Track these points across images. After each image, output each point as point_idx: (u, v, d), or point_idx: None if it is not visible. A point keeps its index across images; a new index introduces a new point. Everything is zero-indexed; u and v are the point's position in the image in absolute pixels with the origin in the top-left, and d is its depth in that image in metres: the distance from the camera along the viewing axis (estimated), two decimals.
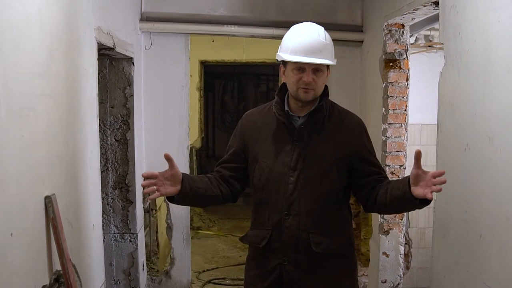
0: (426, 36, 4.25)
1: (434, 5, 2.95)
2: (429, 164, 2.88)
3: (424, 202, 2.01)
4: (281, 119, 2.28)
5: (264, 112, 2.38)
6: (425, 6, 3.03)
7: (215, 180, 2.32)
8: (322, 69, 2.18)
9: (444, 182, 1.94)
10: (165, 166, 4.27)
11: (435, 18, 3.23)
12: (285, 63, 2.23)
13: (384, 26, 3.70)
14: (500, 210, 2.12)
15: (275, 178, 2.24)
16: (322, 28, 2.24)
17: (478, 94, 2.30)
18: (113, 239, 3.78)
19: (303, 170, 2.22)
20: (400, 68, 3.74)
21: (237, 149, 2.36)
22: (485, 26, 2.23)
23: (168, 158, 2.12)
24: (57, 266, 2.05)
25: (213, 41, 5.13)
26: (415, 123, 4.40)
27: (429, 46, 4.23)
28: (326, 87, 2.30)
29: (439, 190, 1.94)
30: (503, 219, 2.09)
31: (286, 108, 2.29)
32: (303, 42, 2.16)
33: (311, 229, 2.21)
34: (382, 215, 3.80)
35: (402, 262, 3.91)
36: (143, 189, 2.12)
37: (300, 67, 2.16)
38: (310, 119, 2.26)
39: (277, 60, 2.26)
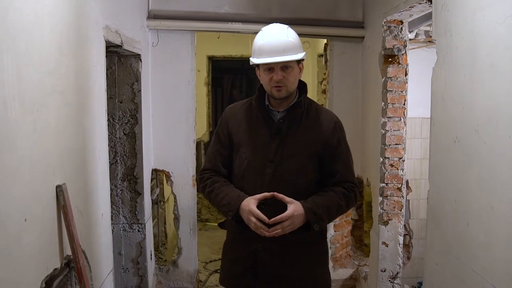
0: (426, 32, 4.32)
1: (429, 3, 3.03)
2: (428, 157, 3.00)
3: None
4: (261, 113, 2.41)
5: (246, 106, 2.50)
6: (420, 3, 3.13)
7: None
8: (290, 65, 2.30)
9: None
10: (171, 158, 4.38)
11: None
12: (258, 66, 2.36)
13: (383, 23, 3.80)
14: (485, 199, 2.22)
15: (254, 169, 2.37)
16: (286, 27, 2.36)
17: (466, 88, 2.40)
18: (122, 229, 3.91)
19: (280, 163, 2.34)
20: (399, 63, 3.84)
21: (226, 142, 2.48)
22: (472, 23, 2.33)
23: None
24: (68, 251, 2.16)
25: (218, 38, 5.24)
26: (416, 116, 4.50)
27: (429, 41, 4.31)
28: (305, 84, 2.44)
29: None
30: (487, 208, 2.19)
31: (267, 103, 2.42)
32: (267, 44, 2.29)
33: None
34: (380, 206, 3.93)
35: (401, 251, 4.01)
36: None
37: (269, 67, 2.29)
38: (288, 114, 2.38)
39: (251, 65, 2.38)
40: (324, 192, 2.38)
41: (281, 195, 2.26)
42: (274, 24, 2.40)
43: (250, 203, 2.25)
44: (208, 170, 2.50)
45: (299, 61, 2.36)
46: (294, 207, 2.24)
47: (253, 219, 2.23)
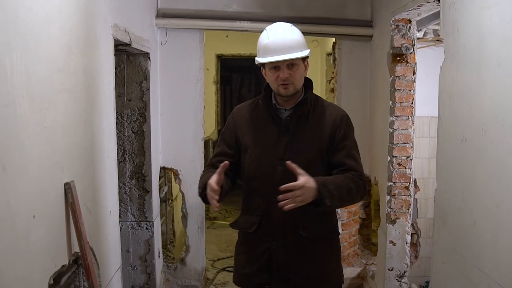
0: (434, 31, 4.30)
1: (437, 1, 3.03)
2: (436, 156, 3.00)
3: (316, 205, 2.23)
4: (268, 111, 2.42)
5: (253, 106, 2.51)
6: (428, 2, 3.13)
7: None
8: (296, 63, 2.31)
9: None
10: (179, 156, 4.38)
11: None
12: (263, 65, 2.36)
13: (391, 21, 3.79)
14: (491, 198, 2.22)
15: (264, 167, 2.37)
16: (289, 25, 2.37)
17: (473, 87, 2.39)
18: (130, 226, 3.93)
19: (290, 160, 2.30)
20: (407, 62, 3.83)
21: (231, 142, 2.49)
22: (479, 22, 2.32)
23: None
24: (76, 248, 2.18)
25: (227, 36, 5.24)
26: (424, 115, 4.47)
27: (437, 40, 4.30)
28: (311, 81, 2.44)
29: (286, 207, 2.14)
30: (493, 207, 2.19)
31: (274, 102, 2.42)
32: (272, 42, 2.29)
33: (298, 215, 2.32)
34: (387, 205, 3.92)
35: (409, 250, 4.01)
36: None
37: (275, 66, 2.30)
38: (296, 111, 2.39)
39: (257, 64, 2.38)
40: (333, 175, 2.34)
41: (294, 165, 2.18)
42: (278, 22, 2.41)
43: (212, 176, 2.21)
44: (209, 167, 2.50)
45: (304, 59, 2.36)
46: (306, 178, 2.16)
47: (208, 190, 2.20)
